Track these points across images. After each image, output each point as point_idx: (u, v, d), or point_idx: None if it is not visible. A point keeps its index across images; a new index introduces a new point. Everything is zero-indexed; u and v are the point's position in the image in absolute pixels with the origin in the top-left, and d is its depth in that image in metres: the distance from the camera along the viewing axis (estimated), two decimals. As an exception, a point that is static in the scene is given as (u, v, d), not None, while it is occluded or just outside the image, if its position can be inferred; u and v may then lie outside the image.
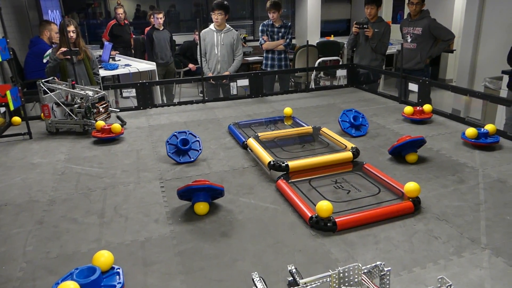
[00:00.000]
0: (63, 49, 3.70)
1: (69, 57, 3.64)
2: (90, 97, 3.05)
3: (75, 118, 3.07)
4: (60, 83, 3.22)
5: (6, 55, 2.84)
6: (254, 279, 1.19)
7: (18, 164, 2.54)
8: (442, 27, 4.50)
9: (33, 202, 2.04)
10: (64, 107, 3.10)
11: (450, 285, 0.99)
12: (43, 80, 3.11)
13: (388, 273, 1.03)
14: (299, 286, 0.92)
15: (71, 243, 1.67)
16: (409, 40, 4.58)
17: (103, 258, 1.38)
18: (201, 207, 1.83)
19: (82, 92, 3.11)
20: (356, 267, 0.99)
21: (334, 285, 0.98)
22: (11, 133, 3.06)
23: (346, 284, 0.94)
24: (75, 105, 3.08)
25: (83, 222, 1.84)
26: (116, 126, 2.90)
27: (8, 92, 2.82)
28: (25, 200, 2.07)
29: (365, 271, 0.97)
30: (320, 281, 1.03)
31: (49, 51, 4.15)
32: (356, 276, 0.97)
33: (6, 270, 1.51)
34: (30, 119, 3.32)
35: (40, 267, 1.53)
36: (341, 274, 0.98)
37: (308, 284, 1.01)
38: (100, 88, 3.32)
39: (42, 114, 3.15)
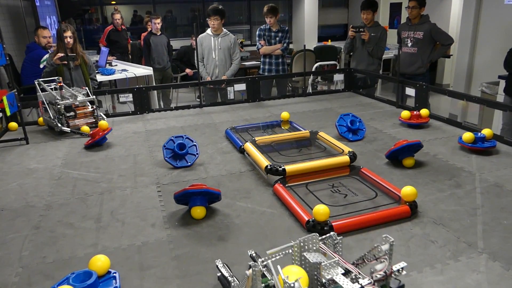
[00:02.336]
0: (60, 54, 3.71)
1: (65, 62, 3.64)
2: (58, 100, 3.14)
3: (51, 116, 3.18)
4: (58, 83, 3.29)
5: (2, 61, 2.84)
6: (218, 266, 1.33)
7: (15, 170, 2.53)
8: (443, 32, 4.54)
9: (30, 207, 2.03)
10: (47, 106, 3.21)
11: (393, 242, 1.07)
12: (41, 80, 3.21)
13: (340, 241, 1.15)
14: (258, 263, 1.02)
15: (68, 248, 1.67)
16: (409, 44, 4.60)
17: (100, 262, 1.38)
18: (198, 211, 1.82)
19: (55, 94, 3.21)
20: (314, 237, 1.09)
21: (296, 254, 1.08)
22: (7, 139, 3.05)
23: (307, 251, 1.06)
24: (58, 106, 3.16)
25: (79, 226, 1.83)
26: (103, 122, 2.93)
27: (4, 98, 2.82)
28: (21, 205, 2.06)
29: (321, 241, 1.10)
30: (285, 251, 1.11)
31: (46, 56, 4.16)
32: (314, 245, 1.08)
33: (2, 275, 1.50)
34: (27, 124, 3.32)
35: (36, 272, 1.52)
36: (302, 244, 1.08)
37: (273, 256, 1.10)
38: (90, 93, 3.33)
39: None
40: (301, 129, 3.00)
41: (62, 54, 3.66)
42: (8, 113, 2.90)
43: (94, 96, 3.30)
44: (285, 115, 3.25)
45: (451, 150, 2.61)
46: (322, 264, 1.01)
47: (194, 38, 5.46)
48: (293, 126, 3.14)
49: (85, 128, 3.14)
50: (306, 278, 1.01)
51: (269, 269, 1.06)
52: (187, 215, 1.87)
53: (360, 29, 4.70)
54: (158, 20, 6.48)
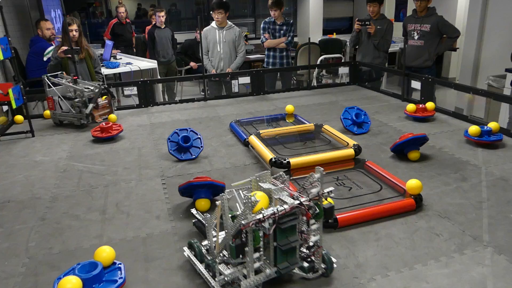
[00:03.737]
0: (64, 47, 3.71)
1: (70, 55, 3.65)
2: (85, 92, 3.11)
3: (73, 111, 3.15)
4: (67, 78, 3.28)
5: (7, 54, 2.85)
6: (193, 213, 1.67)
7: (21, 162, 2.55)
8: (450, 25, 4.48)
9: (36, 199, 2.05)
10: (65, 101, 3.16)
11: (323, 171, 1.32)
12: (49, 75, 3.19)
13: (287, 179, 1.39)
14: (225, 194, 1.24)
15: (73, 239, 1.68)
16: (416, 37, 4.56)
17: (105, 253, 1.39)
18: (203, 204, 1.83)
19: (79, 87, 3.16)
20: (267, 173, 1.38)
21: (254, 186, 1.38)
22: (13, 131, 3.07)
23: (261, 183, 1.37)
24: (76, 100, 3.13)
25: (85, 218, 1.84)
26: (112, 116, 2.95)
27: (10, 91, 2.83)
28: (27, 197, 2.08)
29: (273, 177, 1.38)
30: (246, 186, 1.40)
31: (50, 48, 4.16)
32: (267, 179, 1.38)
33: (9, 266, 1.52)
34: (32, 117, 3.33)
35: (43, 262, 1.53)
36: (258, 178, 1.38)
37: (237, 188, 1.40)
38: (103, 83, 3.33)
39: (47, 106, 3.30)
40: (305, 122, 2.99)
41: (66, 47, 3.67)
42: (14, 106, 2.91)
43: (106, 85, 3.30)
44: (289, 108, 3.24)
45: (457, 143, 2.59)
46: (272, 189, 1.30)
47: (198, 32, 5.44)
48: (298, 119, 3.13)
49: (113, 117, 3.19)
50: (266, 199, 1.31)
51: (235, 197, 1.35)
52: (192, 208, 1.88)
53: (366, 22, 4.66)
54: (163, 13, 6.46)
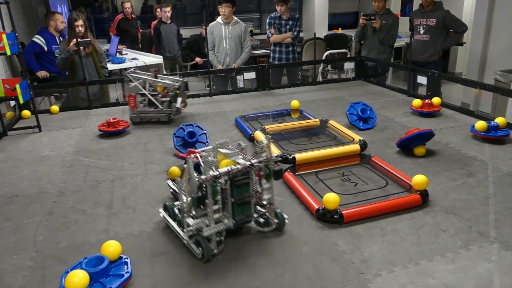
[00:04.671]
0: (75, 40, 3.73)
1: (82, 47, 3.66)
2: (175, 86, 3.03)
3: (161, 107, 3.07)
4: (142, 74, 3.12)
5: (15, 49, 2.87)
6: (169, 184, 1.91)
7: (28, 157, 2.57)
8: (456, 19, 4.43)
9: (43, 194, 2.07)
10: (151, 97, 3.07)
11: (271, 138, 1.58)
12: (129, 71, 3.10)
13: (245, 147, 1.61)
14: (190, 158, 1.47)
15: (80, 233, 1.70)
16: (421, 31, 4.51)
17: (112, 248, 1.40)
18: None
19: (168, 81, 3.07)
20: (227, 141, 1.62)
21: (219, 152, 1.59)
22: (21, 126, 3.09)
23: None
24: (158, 95, 3.07)
25: (91, 213, 1.86)
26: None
27: (17, 86, 2.85)
28: (35, 191, 2.10)
29: (231, 146, 1.61)
30: (210, 152, 1.58)
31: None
32: (226, 147, 1.60)
33: (17, 259, 1.54)
34: (39, 112, 3.35)
35: (50, 256, 1.55)
36: (218, 146, 1.59)
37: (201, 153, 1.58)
38: (180, 76, 3.20)
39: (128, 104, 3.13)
40: (311, 117, 2.98)
41: (78, 40, 3.69)
42: (21, 101, 2.93)
43: (185, 79, 3.13)
44: (295, 103, 3.23)
45: (463, 139, 2.57)
46: (229, 153, 1.56)
47: (204, 27, 5.43)
48: (303, 114, 3.13)
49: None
50: (226, 162, 1.54)
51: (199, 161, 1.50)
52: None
53: (371, 17, 4.62)
54: (168, 9, 6.45)
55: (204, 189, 1.41)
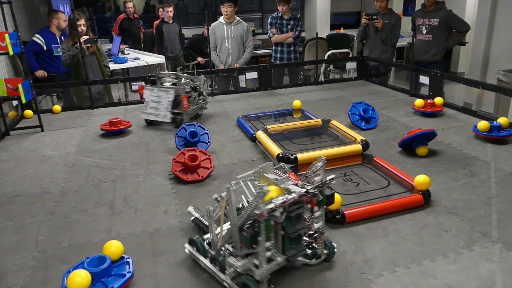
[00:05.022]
0: (85, 37, 3.74)
1: (90, 45, 3.68)
2: (198, 85, 3.08)
3: (193, 107, 3.07)
4: (167, 74, 3.14)
5: (17, 49, 2.87)
6: (191, 211, 1.68)
7: (31, 156, 2.58)
8: (459, 19, 4.42)
9: (45, 193, 2.07)
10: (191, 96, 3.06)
11: (325, 160, 1.39)
12: (177, 71, 3.09)
13: (288, 169, 1.43)
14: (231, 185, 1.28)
15: (82, 233, 1.70)
16: (424, 31, 4.50)
17: (113, 247, 1.40)
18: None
19: (197, 81, 3.13)
20: (269, 165, 1.40)
21: (260, 177, 1.38)
22: (23, 126, 3.10)
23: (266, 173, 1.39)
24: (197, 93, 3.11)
25: (93, 213, 1.86)
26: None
27: (20, 85, 2.86)
28: (37, 191, 2.10)
29: (275, 168, 1.42)
30: (250, 177, 1.43)
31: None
32: (271, 170, 1.39)
33: (19, 259, 1.54)
34: (42, 112, 3.36)
35: (52, 256, 1.55)
36: (261, 170, 1.38)
37: (243, 180, 1.45)
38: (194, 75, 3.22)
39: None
40: (313, 117, 2.98)
41: (87, 37, 3.71)
42: (24, 101, 2.94)
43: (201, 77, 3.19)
44: (297, 103, 3.23)
45: (465, 139, 2.56)
46: (278, 179, 1.33)
47: (206, 27, 5.44)
48: (305, 114, 3.12)
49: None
50: (277, 189, 1.31)
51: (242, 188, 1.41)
52: (199, 203, 1.89)
53: (374, 17, 4.62)
54: (171, 9, 6.45)
55: (257, 224, 1.21)
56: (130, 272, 1.36)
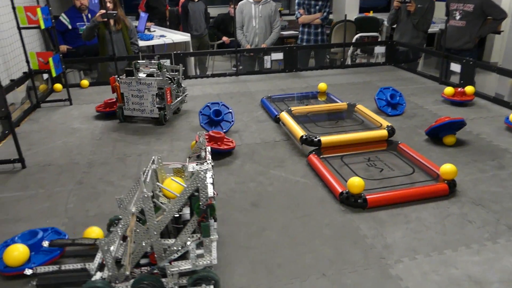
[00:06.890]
0: (102, 11, 3.77)
1: (112, 21, 3.68)
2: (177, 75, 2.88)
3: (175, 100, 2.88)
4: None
5: (48, 23, 2.92)
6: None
7: (60, 128, 2.65)
8: (496, 5, 4.22)
9: (74, 164, 2.14)
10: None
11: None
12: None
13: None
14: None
15: (108, 203, 1.75)
16: (457, 17, 4.33)
17: (94, 234, 1.45)
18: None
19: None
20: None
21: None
22: (53, 99, 3.18)
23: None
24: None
25: (119, 185, 1.91)
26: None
27: (50, 59, 2.92)
28: (66, 161, 2.17)
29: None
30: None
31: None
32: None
33: (50, 224, 1.61)
34: (70, 86, 3.43)
35: (80, 223, 1.62)
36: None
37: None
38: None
39: None
40: (338, 101, 2.94)
41: (104, 11, 3.73)
42: (54, 75, 3.01)
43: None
44: (322, 86, 3.19)
45: (496, 130, 2.49)
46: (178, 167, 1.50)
47: (232, 6, 5.38)
48: (330, 97, 3.09)
49: None
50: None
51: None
52: (220, 180, 1.91)
53: (406, 0, 4.46)
54: (197, -14, 6.40)
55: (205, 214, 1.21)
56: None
